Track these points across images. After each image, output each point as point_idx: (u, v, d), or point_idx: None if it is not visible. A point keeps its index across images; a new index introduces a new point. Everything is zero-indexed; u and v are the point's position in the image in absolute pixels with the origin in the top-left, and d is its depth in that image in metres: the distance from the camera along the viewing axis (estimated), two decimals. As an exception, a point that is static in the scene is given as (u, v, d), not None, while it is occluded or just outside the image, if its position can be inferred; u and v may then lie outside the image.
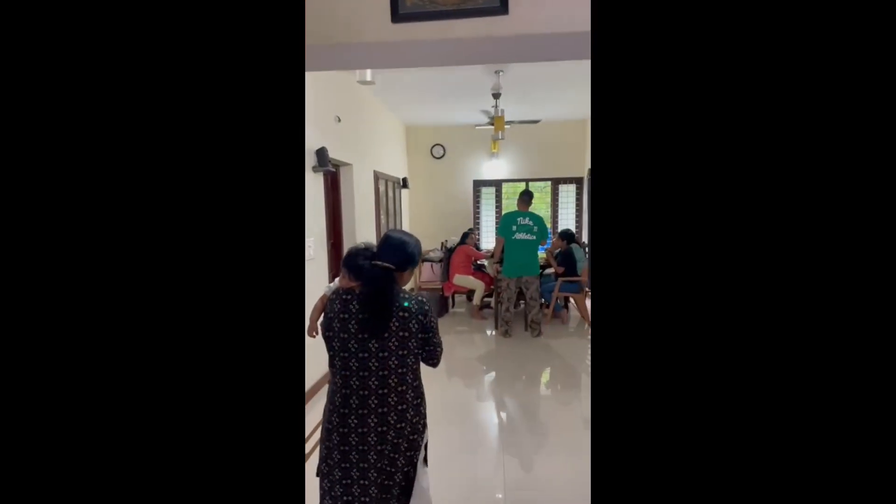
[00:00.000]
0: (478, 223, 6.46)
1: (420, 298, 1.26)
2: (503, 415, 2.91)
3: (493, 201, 6.46)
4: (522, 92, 4.44)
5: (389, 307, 1.19)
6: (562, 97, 4.77)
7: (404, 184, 5.84)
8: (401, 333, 1.20)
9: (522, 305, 4.64)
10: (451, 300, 5.40)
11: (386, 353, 1.20)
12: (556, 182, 6.32)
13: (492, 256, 4.70)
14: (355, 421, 1.21)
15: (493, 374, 3.61)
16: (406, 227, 6.16)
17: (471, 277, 4.94)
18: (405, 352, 1.21)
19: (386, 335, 1.19)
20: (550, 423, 2.77)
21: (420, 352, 1.25)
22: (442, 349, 1.30)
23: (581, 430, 2.62)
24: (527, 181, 6.32)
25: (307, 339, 1.14)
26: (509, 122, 5.24)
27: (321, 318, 1.30)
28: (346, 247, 3.98)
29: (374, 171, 4.62)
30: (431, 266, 5.39)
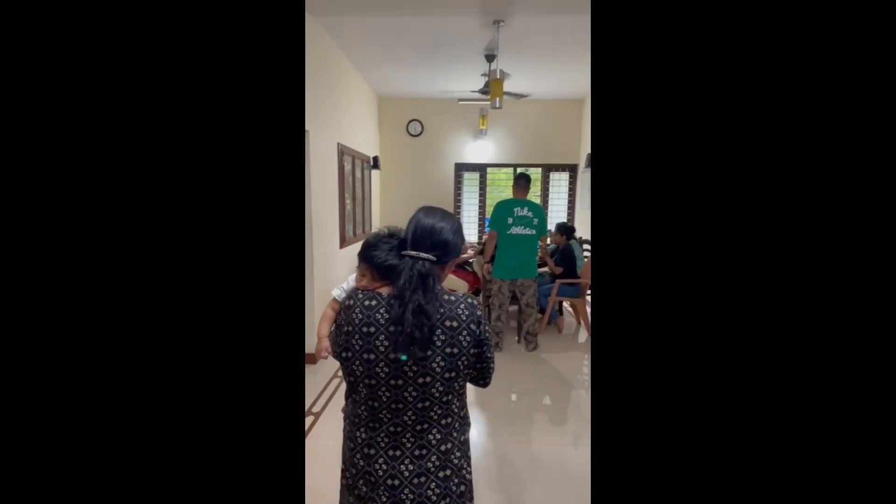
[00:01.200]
0: (458, 212, 5.70)
1: (470, 300, 0.93)
2: (490, 448, 2.23)
3: (477, 188, 5.71)
4: (520, 53, 3.67)
5: (433, 315, 0.86)
6: (564, 64, 4.04)
7: (375, 164, 5.00)
8: (448, 350, 0.89)
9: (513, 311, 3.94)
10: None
11: (429, 379, 0.90)
12: (548, 169, 5.63)
13: (480, 253, 3.96)
14: (384, 466, 0.93)
15: (478, 395, 2.88)
16: (376, 214, 5.33)
17: (452, 276, 4.19)
18: (453, 374, 0.91)
19: (429, 353, 0.88)
20: (546, 458, 2.15)
21: (470, 371, 0.94)
22: (494, 365, 0.98)
23: (581, 466, 2.03)
24: (514, 166, 5.60)
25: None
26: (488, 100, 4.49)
27: (333, 332, 0.98)
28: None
29: (339, 145, 3.76)
30: (405, 261, 4.58)
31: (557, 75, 4.35)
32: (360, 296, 0.92)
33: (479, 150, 5.57)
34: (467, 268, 4.46)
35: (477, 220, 5.73)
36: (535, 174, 5.63)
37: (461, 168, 5.64)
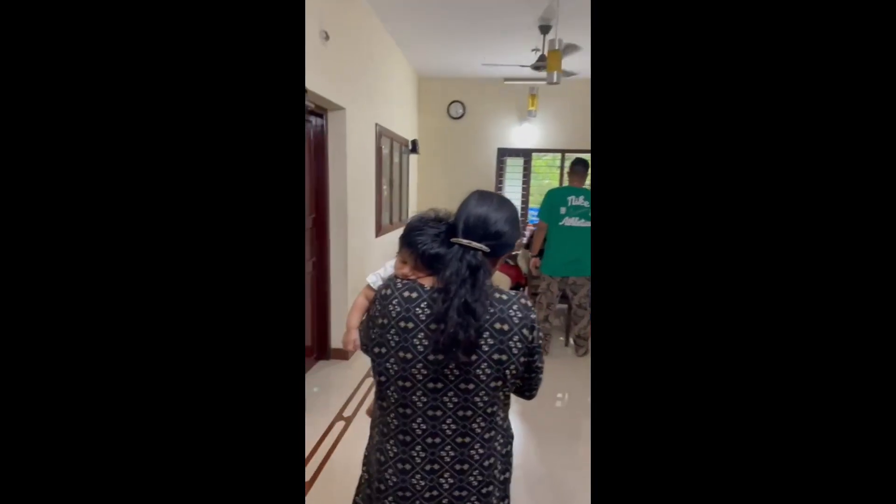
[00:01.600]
0: (500, 201, 5.36)
1: (524, 301, 0.81)
2: (535, 462, 1.92)
3: (520, 175, 5.35)
4: (580, 23, 3.28)
5: (480, 315, 0.75)
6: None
7: (413, 147, 4.73)
8: (496, 356, 0.78)
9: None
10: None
11: (472, 386, 0.78)
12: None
13: (526, 247, 3.64)
14: (421, 482, 0.82)
15: (519, 407, 2.57)
16: (413, 201, 5.08)
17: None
18: (499, 383, 0.79)
19: (474, 358, 0.77)
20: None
21: (517, 381, 0.83)
22: (543, 376, 0.86)
23: None
24: (563, 152, 5.20)
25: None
26: (538, 79, 4.10)
27: (364, 323, 0.87)
28: (334, 223, 2.96)
29: (377, 126, 3.51)
30: (444, 252, 4.31)
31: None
32: (399, 285, 0.82)
33: (524, 134, 5.19)
34: (509, 261, 4.16)
35: (519, 209, 5.38)
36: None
37: (504, 153, 5.28)
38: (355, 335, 0.89)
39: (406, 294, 0.80)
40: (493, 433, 0.83)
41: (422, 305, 0.78)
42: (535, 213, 5.44)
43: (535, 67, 3.49)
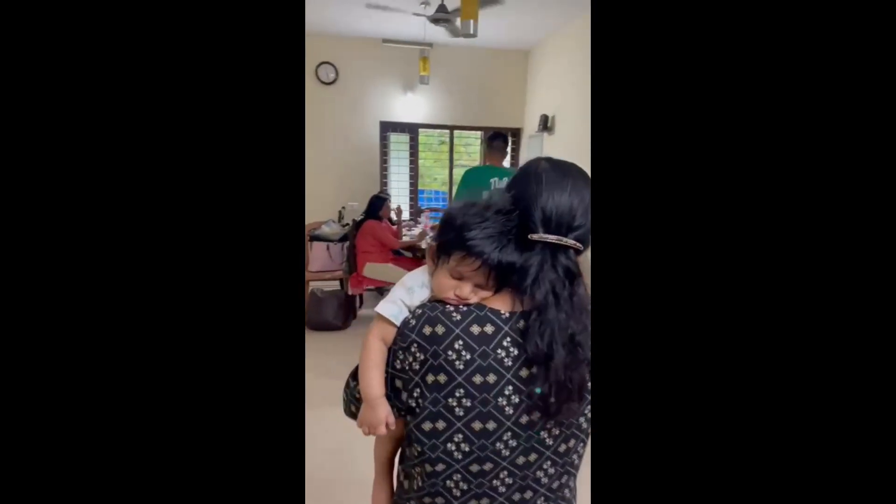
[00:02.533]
0: (385, 185, 4.67)
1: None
2: None
3: (407, 153, 4.72)
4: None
5: (587, 346, 0.58)
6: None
7: (276, 117, 3.72)
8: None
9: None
10: (358, 300, 3.64)
11: (573, 442, 0.62)
12: (487, 132, 4.85)
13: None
14: None
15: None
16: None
17: (390, 266, 3.26)
18: (588, 424, 0.65)
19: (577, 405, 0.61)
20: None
21: None
22: None
23: None
24: (451, 128, 4.73)
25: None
26: (423, 43, 3.50)
27: (385, 383, 0.62)
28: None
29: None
30: (328, 248, 3.50)
31: (499, 16, 3.46)
32: (457, 316, 0.57)
33: (410, 106, 4.56)
34: (407, 253, 3.56)
35: (408, 194, 4.76)
36: (473, 138, 4.82)
37: (388, 128, 4.58)
38: (387, 411, 0.59)
39: (475, 329, 0.56)
40: (573, 484, 0.66)
41: (504, 344, 0.56)
42: (439, 201, 4.91)
43: (435, 20, 2.88)
